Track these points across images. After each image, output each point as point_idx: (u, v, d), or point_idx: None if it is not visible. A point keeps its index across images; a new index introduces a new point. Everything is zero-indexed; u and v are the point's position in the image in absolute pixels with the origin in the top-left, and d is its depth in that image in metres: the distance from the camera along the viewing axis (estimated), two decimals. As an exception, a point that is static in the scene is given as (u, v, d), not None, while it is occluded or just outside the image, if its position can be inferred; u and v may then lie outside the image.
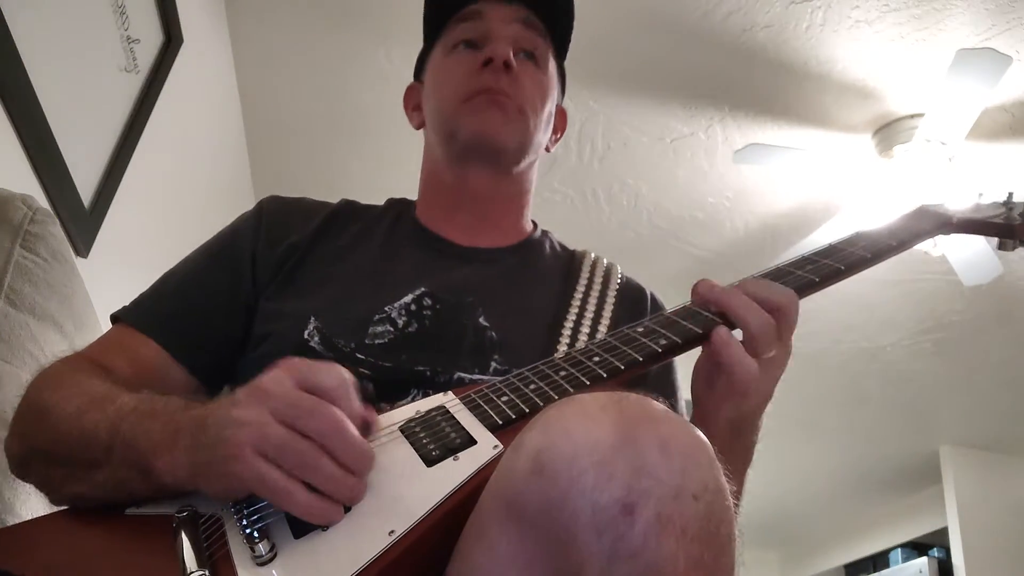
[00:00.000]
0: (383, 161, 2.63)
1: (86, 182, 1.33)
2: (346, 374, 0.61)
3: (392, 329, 0.83)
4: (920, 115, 2.33)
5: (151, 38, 1.65)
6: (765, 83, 2.32)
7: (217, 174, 2.30)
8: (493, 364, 0.83)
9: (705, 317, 0.72)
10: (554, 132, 1.03)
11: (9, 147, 1.12)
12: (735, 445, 0.75)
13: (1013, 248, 0.88)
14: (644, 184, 2.72)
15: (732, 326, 0.71)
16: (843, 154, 2.48)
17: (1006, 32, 2.08)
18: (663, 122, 2.48)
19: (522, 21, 0.95)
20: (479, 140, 0.91)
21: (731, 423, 0.73)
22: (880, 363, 3.46)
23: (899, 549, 4.40)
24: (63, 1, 1.28)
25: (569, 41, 1.02)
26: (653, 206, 2.80)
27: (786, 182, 2.65)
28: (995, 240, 0.89)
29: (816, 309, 3.12)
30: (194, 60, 1.92)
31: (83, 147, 1.33)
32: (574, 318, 0.89)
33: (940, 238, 2.58)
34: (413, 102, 1.04)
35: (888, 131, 2.42)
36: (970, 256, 2.49)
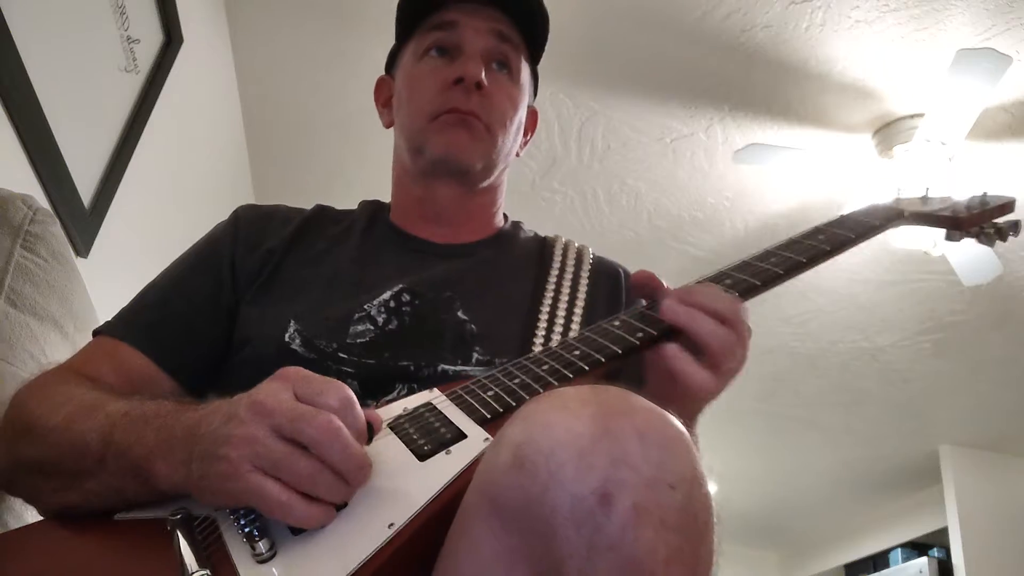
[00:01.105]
0: (382, 161, 2.61)
1: (86, 182, 1.34)
2: (348, 392, 0.60)
3: (372, 327, 0.84)
4: (920, 115, 2.33)
5: (151, 38, 1.65)
6: (765, 83, 2.32)
7: (217, 174, 2.30)
8: (475, 355, 0.83)
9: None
10: (524, 134, 1.03)
11: (9, 147, 1.12)
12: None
13: (960, 239, 0.93)
14: (644, 184, 2.72)
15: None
16: (843, 154, 2.48)
17: (1006, 32, 2.08)
18: (663, 122, 2.48)
19: (497, 33, 0.94)
20: (445, 159, 0.91)
21: (692, 417, 0.73)
22: (880, 363, 3.45)
23: (899, 549, 4.40)
24: (63, 1, 1.28)
25: (544, 47, 1.01)
26: (653, 206, 2.80)
27: (786, 182, 2.65)
28: (943, 232, 0.94)
29: (815, 309, 3.12)
30: (194, 60, 1.92)
31: (83, 147, 1.33)
32: (551, 300, 0.90)
33: (939, 238, 2.58)
34: (383, 96, 1.04)
35: (888, 131, 2.42)
36: (970, 256, 2.49)
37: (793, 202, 2.73)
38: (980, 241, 0.92)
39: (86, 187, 1.33)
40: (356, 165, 2.69)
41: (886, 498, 4.52)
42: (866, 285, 2.97)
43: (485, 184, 0.96)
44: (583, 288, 0.93)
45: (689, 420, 0.71)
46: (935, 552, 4.18)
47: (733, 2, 2.09)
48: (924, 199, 0.94)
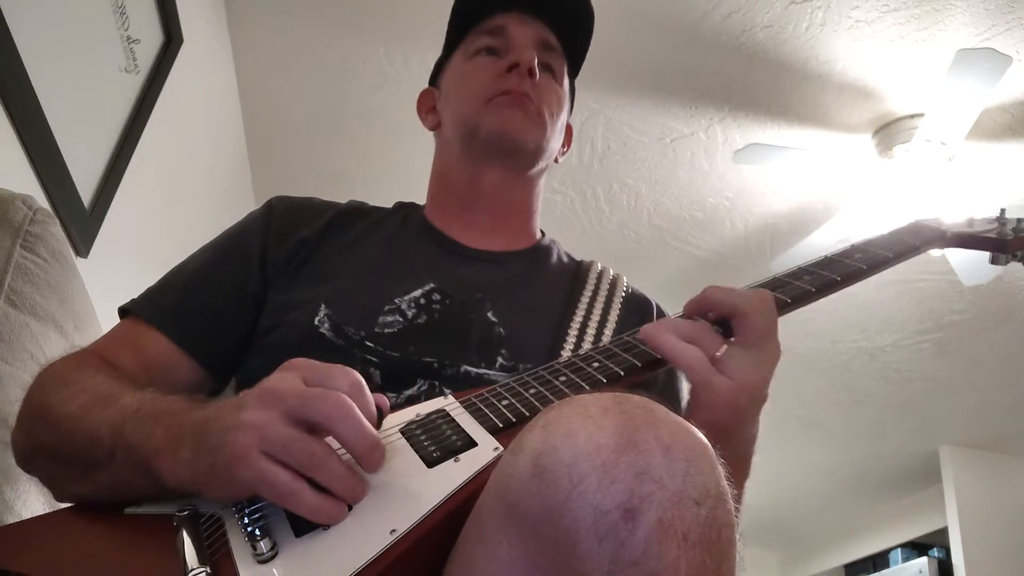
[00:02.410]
0: (383, 162, 2.63)
1: (86, 182, 1.33)
2: (357, 376, 0.60)
3: (401, 319, 0.85)
4: (920, 115, 2.33)
5: (151, 38, 1.65)
6: (765, 83, 2.32)
7: (217, 174, 2.30)
8: (499, 359, 0.83)
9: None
10: (562, 145, 1.06)
11: (9, 147, 1.12)
12: (729, 456, 0.74)
13: (1006, 263, 0.90)
14: (644, 184, 2.72)
15: (729, 333, 0.72)
16: (843, 154, 2.48)
17: (1006, 32, 2.08)
18: (663, 122, 2.48)
19: (542, 41, 0.98)
20: (500, 136, 0.93)
21: (721, 434, 0.72)
22: (880, 363, 3.45)
23: (899, 549, 4.40)
24: (63, 1, 1.28)
25: (583, 61, 1.06)
26: (653, 206, 2.80)
27: (786, 182, 2.64)
28: (987, 254, 0.91)
29: (815, 309, 3.11)
30: (194, 60, 1.92)
31: (83, 147, 1.33)
32: (579, 323, 0.90)
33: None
34: (427, 105, 1.07)
35: (888, 131, 2.42)
36: (970, 256, 2.48)
37: (793, 202, 2.73)
38: None
39: (86, 187, 1.33)
40: (357, 166, 2.69)
41: (886, 498, 4.52)
42: (866, 285, 2.96)
43: (531, 172, 0.98)
44: (614, 314, 0.93)
45: (744, 428, 0.70)
46: (935, 552, 4.18)
47: (733, 2, 2.09)
48: (970, 220, 0.91)
